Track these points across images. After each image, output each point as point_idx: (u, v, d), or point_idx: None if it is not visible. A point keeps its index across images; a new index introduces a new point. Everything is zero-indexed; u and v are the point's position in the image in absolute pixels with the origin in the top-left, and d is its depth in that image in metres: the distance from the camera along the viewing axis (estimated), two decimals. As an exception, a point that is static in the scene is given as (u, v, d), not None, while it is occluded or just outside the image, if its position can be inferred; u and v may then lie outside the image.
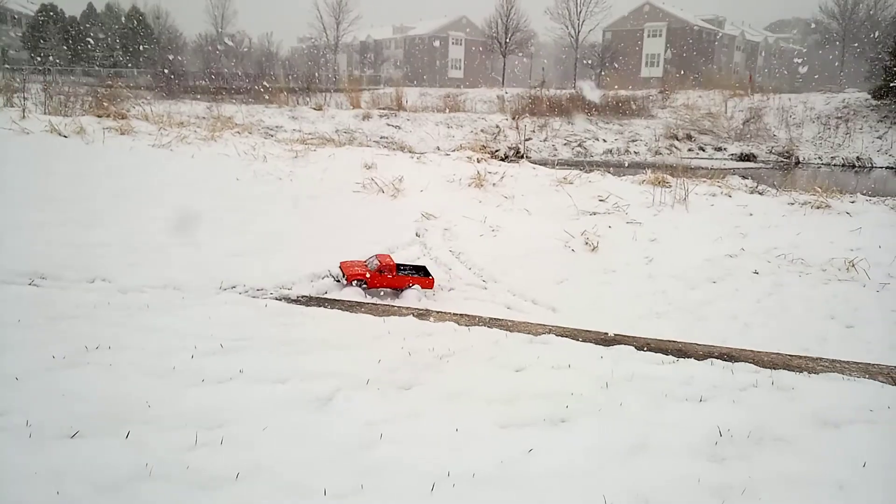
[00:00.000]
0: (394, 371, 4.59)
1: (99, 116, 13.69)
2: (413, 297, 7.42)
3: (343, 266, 7.50)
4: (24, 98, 15.11)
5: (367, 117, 35.63)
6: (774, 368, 5.15)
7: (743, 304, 8.65)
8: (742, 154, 35.44)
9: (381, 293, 7.51)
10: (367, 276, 7.33)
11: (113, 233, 7.65)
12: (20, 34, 56.01)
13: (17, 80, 19.53)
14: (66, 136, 11.88)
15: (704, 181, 15.39)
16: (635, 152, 37.00)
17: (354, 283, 7.25)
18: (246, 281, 6.76)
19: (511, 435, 3.74)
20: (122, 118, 13.86)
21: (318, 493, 2.94)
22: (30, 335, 4.46)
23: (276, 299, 6.44)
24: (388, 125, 35.80)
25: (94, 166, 10.53)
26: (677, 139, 38.12)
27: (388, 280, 7.46)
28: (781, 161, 33.89)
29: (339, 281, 7.37)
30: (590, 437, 3.75)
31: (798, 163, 33.76)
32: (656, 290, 9.06)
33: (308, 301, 6.51)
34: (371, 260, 7.63)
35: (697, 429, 3.94)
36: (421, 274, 7.77)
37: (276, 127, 30.89)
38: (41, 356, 4.09)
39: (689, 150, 36.38)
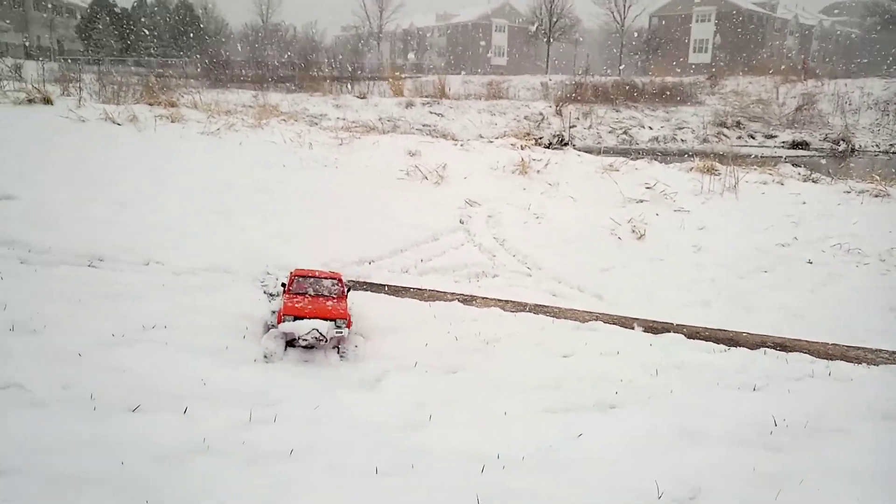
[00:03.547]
0: (441, 354, 4.60)
1: (150, 105, 13.98)
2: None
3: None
4: (80, 88, 15.54)
5: (409, 105, 35.68)
6: (831, 359, 5.00)
7: (795, 295, 8.41)
8: (794, 142, 34.35)
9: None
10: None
11: (165, 217, 7.83)
12: (75, 26, 57.69)
13: (73, 70, 20.12)
14: (119, 124, 12.18)
15: (755, 169, 14.99)
16: (682, 140, 36.23)
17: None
18: (293, 265, 6.85)
19: (560, 420, 3.72)
20: (173, 106, 14.14)
21: (369, 471, 2.98)
22: (89, 314, 4.60)
23: (323, 283, 6.52)
24: (431, 113, 35.78)
25: (146, 153, 10.78)
26: (726, 126, 37.13)
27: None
28: (836, 149, 32.72)
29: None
30: (640, 424, 3.71)
31: (854, 150, 32.56)
32: (705, 278, 8.86)
33: (354, 285, 6.57)
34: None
35: (751, 417, 3.85)
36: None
37: (321, 115, 31.18)
38: (101, 334, 4.23)
39: (739, 137, 35.42)
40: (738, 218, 11.53)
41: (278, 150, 12.29)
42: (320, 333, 4.35)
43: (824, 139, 33.93)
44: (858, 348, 5.58)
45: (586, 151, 18.17)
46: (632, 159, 15.74)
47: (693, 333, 5.66)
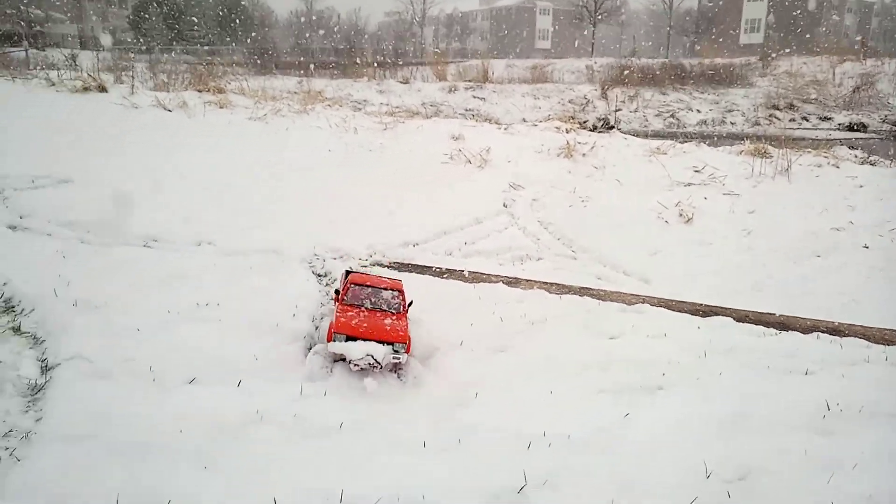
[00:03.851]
0: (486, 335, 4.63)
1: (199, 91, 14.30)
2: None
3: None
4: (132, 76, 15.94)
5: (452, 90, 35.56)
6: (888, 344, 4.85)
7: (851, 280, 8.14)
8: (851, 124, 33.02)
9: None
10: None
11: (216, 201, 8.02)
12: (126, 16, 59.14)
13: (126, 59, 20.66)
14: (170, 110, 12.49)
15: (809, 151, 14.52)
16: (731, 123, 35.24)
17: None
18: (340, 247, 6.96)
19: (606, 400, 3.71)
20: (221, 93, 14.42)
21: (418, 445, 3.03)
22: (146, 292, 4.77)
23: (371, 265, 6.61)
24: (474, 97, 35.59)
25: (196, 138, 11.04)
26: (778, 109, 35.91)
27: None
28: (896, 131, 31.37)
29: None
30: (688, 406, 3.67)
31: (916, 132, 31.17)
32: (755, 263, 8.66)
33: (400, 267, 6.64)
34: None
35: (803, 402, 3.78)
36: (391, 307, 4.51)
37: (364, 100, 31.33)
38: (158, 311, 4.38)
39: (792, 120, 34.22)
40: (791, 201, 11.20)
41: (324, 135, 12.44)
42: (375, 360, 3.89)
43: (883, 121, 32.53)
44: (917, 334, 5.40)
45: (633, 135, 17.88)
46: (680, 142, 15.43)
47: (742, 317, 5.55)
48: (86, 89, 13.05)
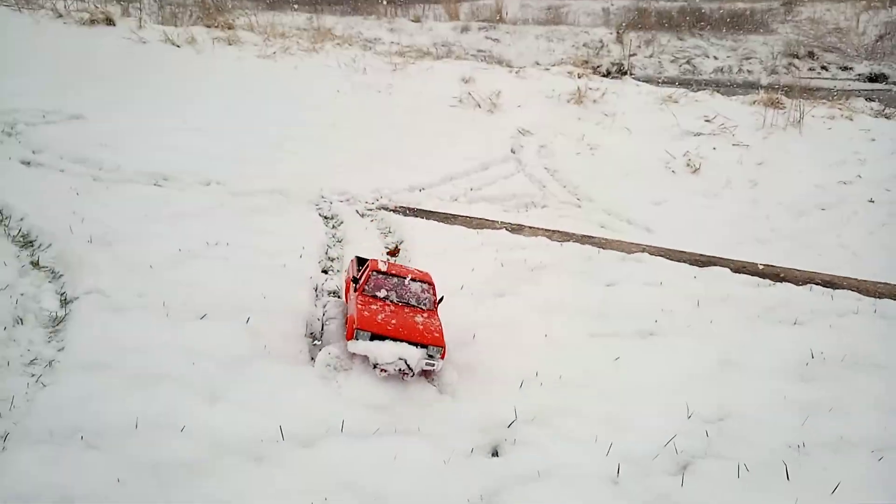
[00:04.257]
0: (487, 280, 4.77)
1: (208, 27, 14.12)
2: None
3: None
4: (140, 8, 15.70)
5: (465, 30, 34.82)
6: (879, 297, 4.98)
7: (854, 234, 8.22)
8: (871, 74, 32.23)
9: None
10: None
11: (224, 141, 8.07)
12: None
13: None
14: (178, 46, 12.39)
15: (823, 103, 14.34)
16: (748, 71, 34.46)
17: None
18: (346, 190, 7.04)
19: (599, 344, 3.87)
20: (230, 28, 14.24)
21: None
22: (158, 229, 4.91)
23: (377, 209, 6.71)
24: (487, 38, 34.85)
25: (205, 76, 11.01)
26: (797, 57, 35.01)
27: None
28: (917, 82, 30.66)
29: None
30: (677, 352, 3.83)
31: (937, 84, 30.46)
32: (759, 215, 8.72)
33: (405, 211, 6.75)
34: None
35: (789, 350, 3.93)
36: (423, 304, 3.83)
37: (375, 39, 30.78)
38: (169, 248, 4.53)
39: (810, 69, 33.42)
40: (801, 154, 11.15)
41: (333, 75, 12.34)
42: (408, 366, 3.30)
43: (905, 71, 31.82)
44: (910, 289, 5.51)
45: (646, 81, 17.59)
46: (692, 90, 15.23)
47: (739, 268, 5.67)
48: (93, 21, 12.91)
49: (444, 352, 3.38)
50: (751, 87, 23.48)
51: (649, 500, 2.59)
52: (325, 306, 3.83)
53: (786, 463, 2.87)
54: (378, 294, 3.68)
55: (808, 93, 15.58)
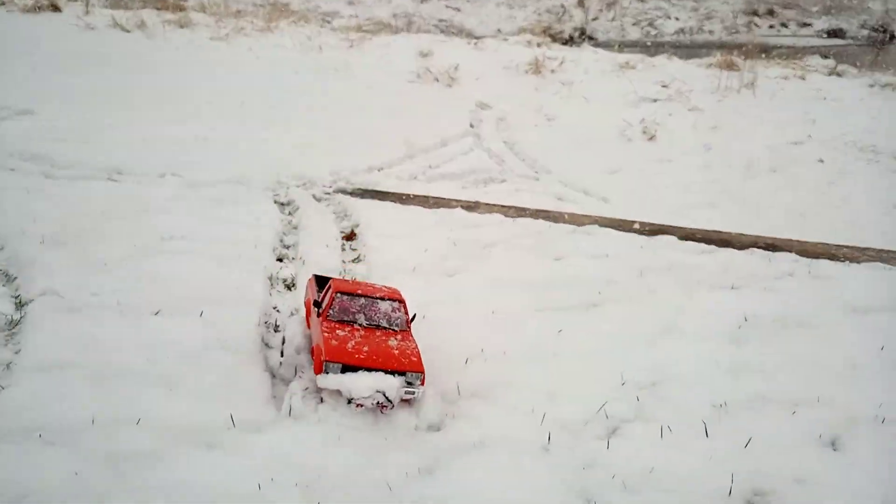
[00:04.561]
0: (440, 259, 4.92)
1: (158, 10, 13.89)
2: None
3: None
4: (86, -9, 15.31)
5: None
6: (815, 258, 5.23)
7: (802, 194, 8.49)
8: (830, 29, 32.61)
9: None
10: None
11: (178, 128, 8.03)
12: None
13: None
14: (128, 31, 12.20)
15: (778, 63, 14.62)
16: (709, 31, 34.61)
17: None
18: (304, 174, 7.09)
19: (544, 317, 4.05)
20: (181, 10, 14.03)
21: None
22: (112, 226, 4.95)
23: (334, 192, 6.79)
24: (447, 7, 34.47)
25: (156, 62, 10.86)
26: (757, 15, 35.29)
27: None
28: (874, 37, 31.11)
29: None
30: (618, 322, 4.03)
31: (893, 38, 30.98)
32: (712, 179, 8.95)
33: (363, 193, 6.83)
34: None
35: (724, 314, 4.16)
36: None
37: (333, 13, 30.27)
38: (124, 245, 4.58)
39: (771, 27, 33.70)
40: (753, 116, 11.41)
41: (288, 55, 12.26)
42: (386, 398, 3.08)
43: (861, 26, 32.27)
44: (848, 247, 5.78)
45: (609, 45, 17.72)
46: (650, 55, 15.40)
47: (688, 235, 5.88)
48: (37, 8, 12.62)
49: (424, 377, 3.15)
50: (711, 47, 23.62)
51: (576, 465, 2.79)
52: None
53: (705, 422, 3.09)
54: (344, 318, 3.38)
55: (768, 51, 15.82)
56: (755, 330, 3.98)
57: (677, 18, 35.55)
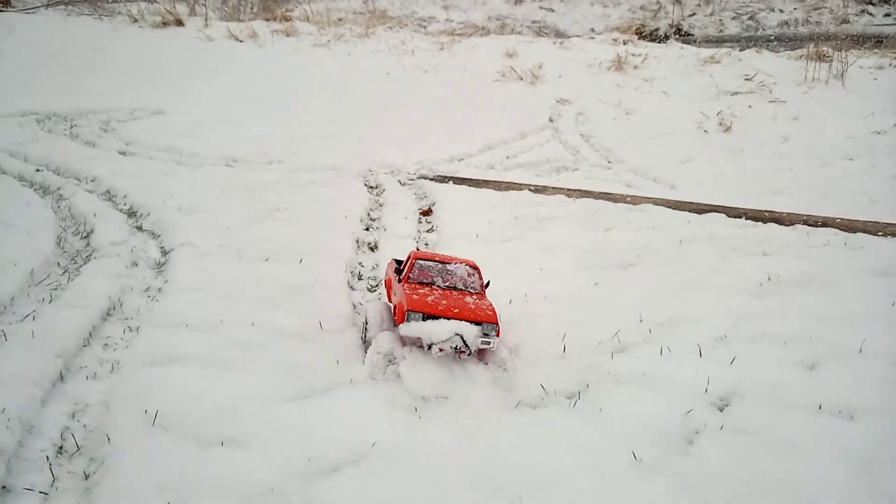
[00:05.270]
0: (501, 230, 5.63)
1: (267, 20, 15.37)
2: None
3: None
4: (205, 6, 17.06)
5: (519, 2, 35.01)
6: (854, 232, 5.52)
7: (875, 181, 8.52)
8: (952, 17, 30.45)
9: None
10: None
11: (283, 125, 9.18)
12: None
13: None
14: (241, 41, 13.63)
15: (875, 53, 14.24)
16: (816, 22, 32.99)
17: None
18: (391, 163, 7.99)
19: (584, 274, 4.69)
20: (287, 20, 15.43)
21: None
22: (232, 200, 6.02)
23: (417, 178, 7.64)
24: (541, 8, 34.80)
25: (266, 68, 12.17)
26: (872, 4, 33.41)
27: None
28: None
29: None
30: (650, 278, 4.60)
31: None
32: (783, 167, 9.12)
33: (442, 179, 7.64)
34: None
35: (750, 275, 4.62)
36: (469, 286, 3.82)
37: (429, 17, 31.43)
38: (241, 215, 5.62)
39: (886, 15, 31.92)
40: (839, 106, 11.34)
41: (383, 59, 13.31)
42: (464, 342, 3.26)
43: None
44: (890, 224, 5.97)
45: (706, 41, 17.71)
46: (740, 49, 15.36)
47: (738, 214, 6.26)
48: (164, 24, 14.31)
49: (499, 329, 3.38)
50: (817, 39, 22.86)
51: (581, 367, 3.44)
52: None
53: (700, 346, 3.64)
54: (424, 280, 3.65)
55: (878, 43, 15.28)
56: (775, 287, 4.42)
57: (781, 10, 34.19)
